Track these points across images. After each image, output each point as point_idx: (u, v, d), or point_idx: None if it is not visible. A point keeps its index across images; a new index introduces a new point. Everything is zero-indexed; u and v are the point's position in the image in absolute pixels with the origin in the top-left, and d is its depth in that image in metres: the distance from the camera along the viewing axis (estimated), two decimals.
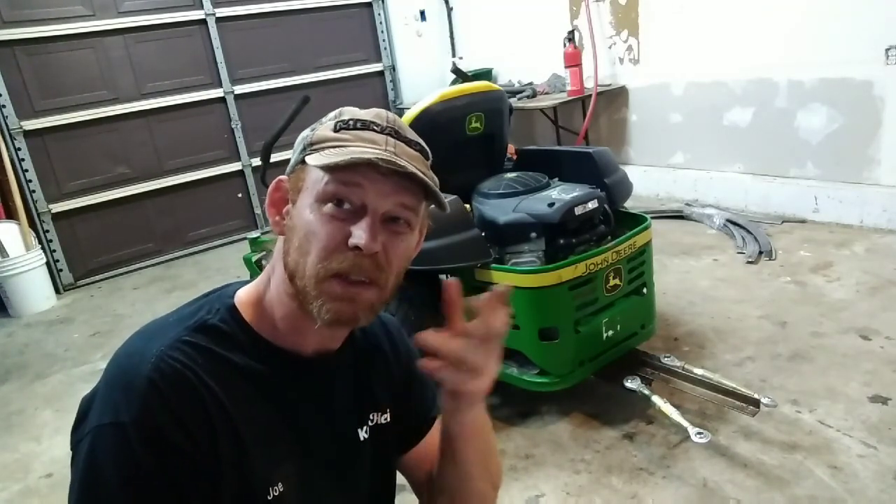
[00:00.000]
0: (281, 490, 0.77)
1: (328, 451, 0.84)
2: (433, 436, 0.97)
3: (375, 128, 0.75)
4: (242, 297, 0.81)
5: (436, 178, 0.77)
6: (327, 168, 0.71)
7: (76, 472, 0.70)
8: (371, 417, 0.90)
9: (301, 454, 0.80)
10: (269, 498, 0.76)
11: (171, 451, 0.68)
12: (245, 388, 0.75)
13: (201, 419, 0.70)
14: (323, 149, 0.73)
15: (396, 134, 0.76)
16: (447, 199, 0.85)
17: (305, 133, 0.78)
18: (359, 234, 0.71)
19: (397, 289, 0.78)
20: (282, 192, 0.79)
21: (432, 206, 0.80)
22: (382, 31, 5.60)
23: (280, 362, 0.79)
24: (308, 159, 0.73)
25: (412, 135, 0.78)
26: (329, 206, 0.72)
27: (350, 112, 0.77)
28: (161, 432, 0.68)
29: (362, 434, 0.88)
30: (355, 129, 0.75)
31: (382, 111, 0.78)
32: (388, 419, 0.92)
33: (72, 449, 0.73)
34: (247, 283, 0.84)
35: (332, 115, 0.79)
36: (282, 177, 0.80)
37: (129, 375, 0.70)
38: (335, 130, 0.75)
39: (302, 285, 0.73)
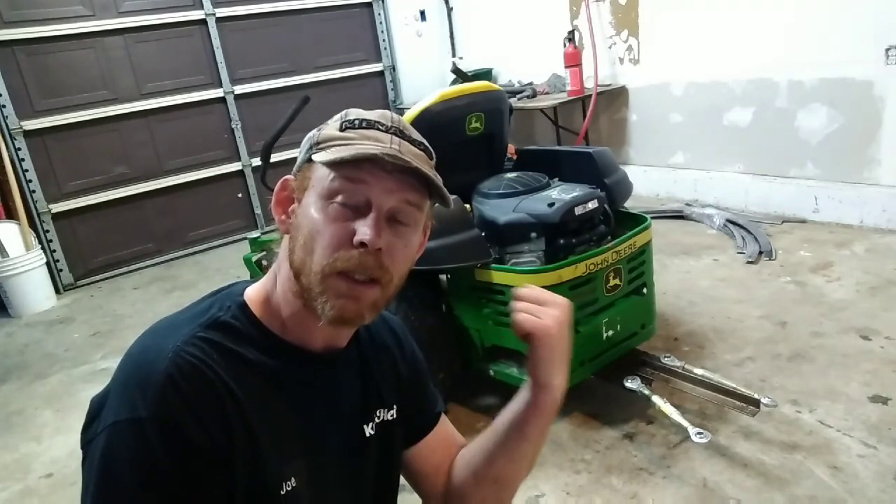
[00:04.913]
0: (294, 485, 0.77)
1: (336, 446, 0.85)
2: (437, 433, 0.99)
3: (380, 127, 0.76)
4: (251, 295, 0.82)
5: (439, 177, 0.78)
6: (332, 163, 0.73)
7: (91, 469, 0.69)
8: (378, 414, 0.91)
9: (311, 449, 0.81)
10: (281, 493, 0.76)
11: (188, 446, 0.68)
12: (258, 383, 0.76)
13: (218, 414, 0.71)
14: (329, 147, 0.75)
15: (401, 133, 0.77)
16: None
17: (312, 133, 0.79)
18: (363, 230, 0.72)
19: (400, 287, 0.79)
20: (288, 191, 0.81)
21: (436, 204, 0.81)
22: (382, 31, 5.60)
23: (290, 358, 0.80)
24: (314, 157, 0.75)
25: (416, 135, 0.80)
26: (334, 205, 0.73)
27: (355, 112, 0.79)
28: (179, 427, 0.68)
29: (368, 430, 0.89)
30: (360, 127, 0.76)
31: (387, 112, 0.80)
32: (395, 415, 0.93)
33: (83, 448, 0.73)
34: (254, 281, 0.85)
35: (337, 116, 0.80)
36: (288, 176, 0.81)
37: (146, 371, 0.70)
38: (341, 130, 0.77)
39: (307, 282, 0.74)
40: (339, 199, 0.73)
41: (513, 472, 0.92)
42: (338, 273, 0.73)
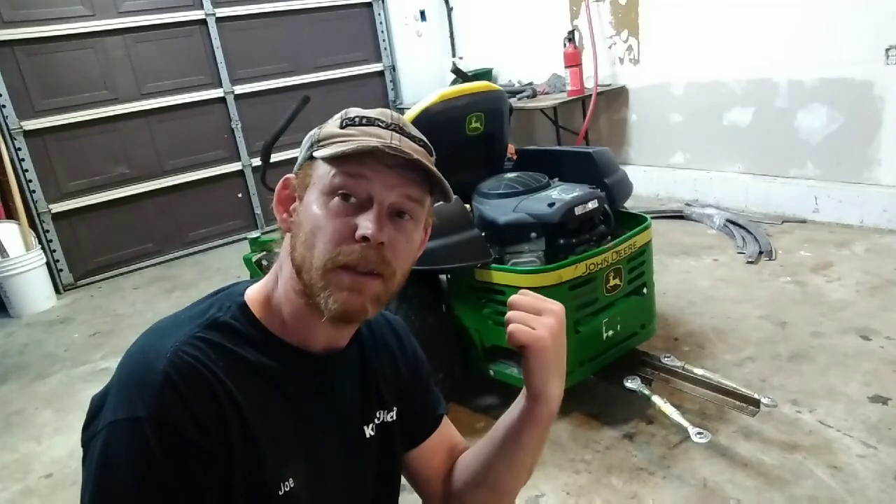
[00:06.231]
0: (292, 486, 0.77)
1: (336, 447, 0.85)
2: (439, 435, 0.98)
3: (380, 123, 0.77)
4: (252, 295, 0.82)
5: (439, 172, 0.78)
6: (333, 158, 0.73)
7: (90, 468, 0.70)
8: (378, 415, 0.91)
9: (310, 450, 0.81)
10: (280, 493, 0.76)
11: (186, 446, 0.68)
12: (257, 384, 0.76)
13: (216, 414, 0.71)
14: (329, 144, 0.75)
15: (401, 130, 0.78)
16: None
17: (313, 131, 0.80)
18: (365, 224, 0.72)
19: (402, 284, 0.79)
20: (289, 189, 0.81)
21: (438, 202, 0.82)
22: (382, 31, 5.60)
23: (290, 359, 0.80)
24: (315, 153, 0.76)
25: (416, 132, 0.80)
26: (336, 201, 0.74)
27: (356, 111, 0.79)
28: (177, 427, 0.68)
29: (368, 431, 0.89)
30: (361, 125, 0.77)
31: (387, 110, 0.80)
32: (395, 417, 0.93)
33: (83, 447, 0.73)
34: (255, 282, 0.85)
35: (338, 115, 0.81)
36: (289, 175, 0.81)
37: (145, 371, 0.70)
38: (341, 127, 0.77)
39: (309, 278, 0.74)
40: (340, 194, 0.74)
41: (510, 479, 0.91)
42: (340, 267, 0.73)
